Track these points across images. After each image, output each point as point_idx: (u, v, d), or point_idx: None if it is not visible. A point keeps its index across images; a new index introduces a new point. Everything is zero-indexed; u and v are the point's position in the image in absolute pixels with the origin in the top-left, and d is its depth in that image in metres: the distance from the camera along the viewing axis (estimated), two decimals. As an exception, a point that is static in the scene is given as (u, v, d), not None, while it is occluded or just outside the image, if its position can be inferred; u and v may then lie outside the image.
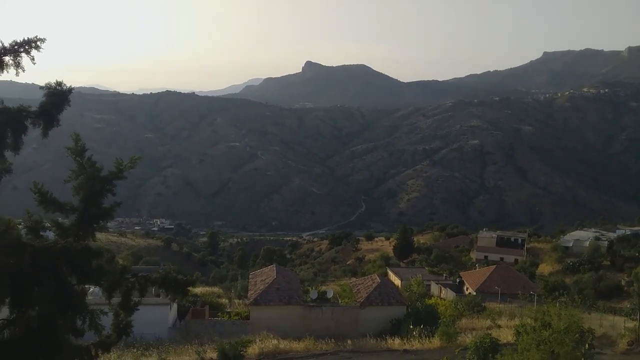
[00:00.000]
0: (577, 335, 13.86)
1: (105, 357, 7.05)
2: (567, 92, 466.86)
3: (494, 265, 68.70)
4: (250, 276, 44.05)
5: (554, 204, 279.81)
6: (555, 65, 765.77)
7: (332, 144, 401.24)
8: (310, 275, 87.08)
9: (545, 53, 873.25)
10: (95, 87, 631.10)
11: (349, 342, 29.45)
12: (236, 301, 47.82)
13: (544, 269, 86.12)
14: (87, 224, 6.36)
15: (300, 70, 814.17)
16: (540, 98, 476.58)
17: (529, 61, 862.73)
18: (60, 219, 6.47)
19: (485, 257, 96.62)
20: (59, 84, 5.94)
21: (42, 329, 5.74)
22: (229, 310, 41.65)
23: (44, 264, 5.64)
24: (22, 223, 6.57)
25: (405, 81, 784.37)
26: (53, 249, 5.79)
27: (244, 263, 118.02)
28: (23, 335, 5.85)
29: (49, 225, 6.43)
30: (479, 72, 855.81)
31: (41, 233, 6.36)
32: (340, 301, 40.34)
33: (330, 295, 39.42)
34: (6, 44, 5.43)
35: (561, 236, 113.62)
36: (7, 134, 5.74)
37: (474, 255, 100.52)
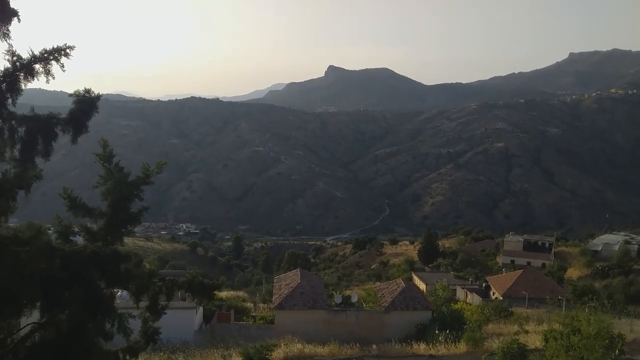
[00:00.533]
0: (607, 341, 13.56)
1: (132, 360, 7.13)
2: (594, 94, 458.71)
3: (521, 270, 67.81)
4: (274, 280, 44.18)
5: (582, 207, 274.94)
6: (582, 66, 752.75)
7: (355, 148, 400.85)
8: (335, 280, 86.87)
9: (571, 54, 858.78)
10: (122, 93, 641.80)
11: (374, 347, 29.26)
12: (261, 305, 48.01)
13: (573, 273, 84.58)
14: (115, 228, 6.45)
15: (323, 75, 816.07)
16: (567, 100, 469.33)
17: (554, 62, 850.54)
18: (88, 224, 6.58)
19: (512, 261, 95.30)
20: (88, 91, 6.06)
21: (72, 332, 5.83)
22: (254, 314, 41.85)
23: (74, 268, 5.74)
24: (51, 228, 6.69)
25: (429, 84, 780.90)
26: (83, 254, 5.89)
27: (268, 267, 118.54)
28: (54, 339, 5.95)
29: (78, 230, 6.53)
30: (503, 74, 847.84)
31: (70, 238, 6.48)
32: (364, 306, 40.19)
33: (354, 299, 39.29)
34: (36, 52, 5.57)
35: (590, 240, 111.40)
36: (38, 140, 5.87)
37: (500, 259, 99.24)
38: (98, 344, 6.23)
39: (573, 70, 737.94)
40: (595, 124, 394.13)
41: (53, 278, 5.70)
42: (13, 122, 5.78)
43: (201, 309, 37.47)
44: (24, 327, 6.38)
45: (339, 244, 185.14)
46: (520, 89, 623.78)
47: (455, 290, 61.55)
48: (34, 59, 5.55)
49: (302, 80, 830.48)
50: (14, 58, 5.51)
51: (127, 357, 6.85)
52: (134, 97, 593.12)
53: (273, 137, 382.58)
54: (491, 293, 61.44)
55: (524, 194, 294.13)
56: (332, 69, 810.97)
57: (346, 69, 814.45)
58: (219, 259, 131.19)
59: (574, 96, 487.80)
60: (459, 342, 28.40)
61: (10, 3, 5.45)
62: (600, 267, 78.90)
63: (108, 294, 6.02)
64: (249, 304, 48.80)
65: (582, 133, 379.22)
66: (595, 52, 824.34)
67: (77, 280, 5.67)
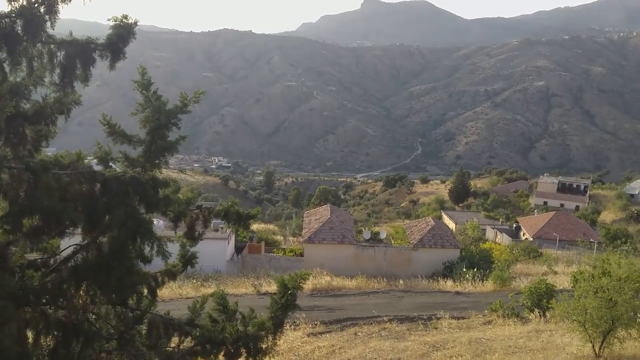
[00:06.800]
0: (637, 284, 13.46)
1: (167, 286, 7.48)
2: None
3: (553, 212, 67.36)
4: (304, 215, 44.91)
5: (622, 150, 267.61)
6: (633, 1, 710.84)
7: (389, 85, 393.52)
8: (364, 217, 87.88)
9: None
10: (155, 25, 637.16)
11: (401, 282, 29.82)
12: (291, 239, 49.17)
13: (607, 216, 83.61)
14: (153, 156, 6.54)
15: (359, 7, 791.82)
16: (614, 37, 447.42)
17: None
18: (127, 152, 6.73)
19: (545, 203, 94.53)
20: (125, 17, 6.02)
21: (113, 254, 6.08)
22: (283, 247, 42.89)
23: (114, 192, 5.90)
24: (89, 157, 6.85)
25: (469, 18, 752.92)
26: (123, 178, 6.03)
27: (298, 202, 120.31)
28: (95, 260, 6.21)
29: (117, 157, 6.66)
30: (548, 9, 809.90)
31: (110, 164, 6.64)
32: (393, 242, 40.65)
33: (383, 236, 39.70)
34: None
35: (627, 183, 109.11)
36: (77, 65, 5.91)
37: (532, 200, 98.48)
38: (138, 265, 6.49)
39: (623, 5, 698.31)
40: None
41: (94, 201, 5.89)
42: (52, 46, 5.80)
43: (233, 239, 38.54)
44: (66, 248, 6.66)
45: (370, 181, 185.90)
46: (566, 25, 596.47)
47: (485, 230, 61.67)
48: (71, -19, 5.51)
49: (337, 13, 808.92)
50: (52, -20, 5.47)
51: (166, 280, 7.15)
52: (167, 29, 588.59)
53: (306, 72, 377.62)
54: (521, 234, 61.43)
55: (562, 135, 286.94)
56: (368, 1, 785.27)
57: (383, 1, 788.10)
58: (250, 193, 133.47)
59: (621, 33, 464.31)
60: (486, 280, 28.69)
61: None
62: (635, 211, 77.69)
63: (147, 218, 6.21)
64: (279, 237, 49.99)
65: (628, 73, 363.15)
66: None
67: (118, 204, 5.85)
